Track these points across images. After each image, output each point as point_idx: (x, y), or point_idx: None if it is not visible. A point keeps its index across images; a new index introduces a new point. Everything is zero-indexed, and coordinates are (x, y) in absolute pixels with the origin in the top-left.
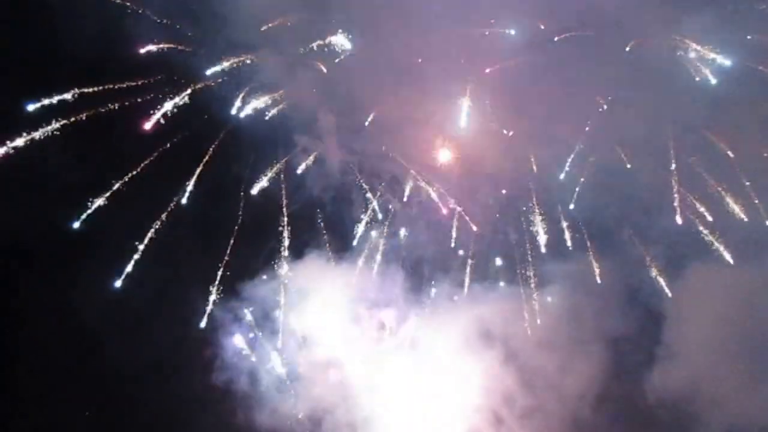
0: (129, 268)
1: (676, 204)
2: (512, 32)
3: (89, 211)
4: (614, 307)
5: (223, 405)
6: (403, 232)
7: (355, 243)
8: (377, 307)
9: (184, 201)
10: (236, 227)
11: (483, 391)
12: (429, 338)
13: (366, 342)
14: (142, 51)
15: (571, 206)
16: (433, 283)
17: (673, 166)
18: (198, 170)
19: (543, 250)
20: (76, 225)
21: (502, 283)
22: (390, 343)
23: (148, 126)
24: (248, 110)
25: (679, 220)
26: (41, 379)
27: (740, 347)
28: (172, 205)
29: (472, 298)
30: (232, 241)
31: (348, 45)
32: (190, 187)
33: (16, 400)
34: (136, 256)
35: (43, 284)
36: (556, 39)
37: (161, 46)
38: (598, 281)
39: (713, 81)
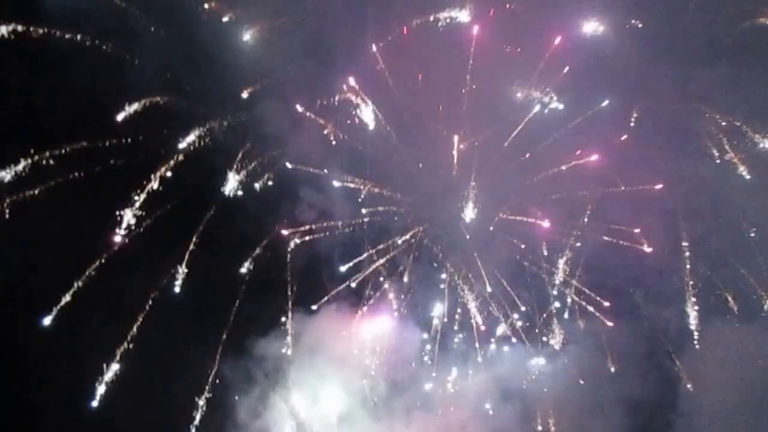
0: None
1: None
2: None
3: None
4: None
5: None
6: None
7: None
8: (388, 365)
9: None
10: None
11: None
12: (441, 398)
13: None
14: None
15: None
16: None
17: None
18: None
19: (566, 315)
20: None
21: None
22: (401, 402)
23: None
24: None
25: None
26: None
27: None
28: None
29: (485, 358)
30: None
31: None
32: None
33: None
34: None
35: None
36: None
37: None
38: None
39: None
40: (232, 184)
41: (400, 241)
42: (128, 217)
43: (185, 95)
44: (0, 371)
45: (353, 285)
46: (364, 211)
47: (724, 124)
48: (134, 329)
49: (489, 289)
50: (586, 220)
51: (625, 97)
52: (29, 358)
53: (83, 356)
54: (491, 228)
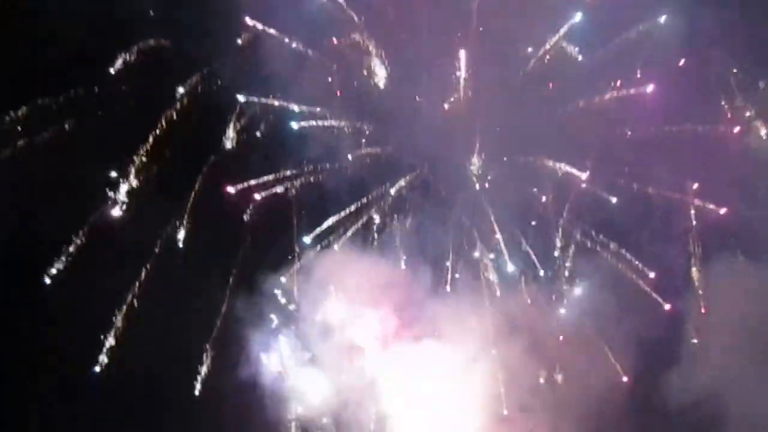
0: None
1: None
2: None
3: None
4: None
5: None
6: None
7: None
8: (397, 297)
9: None
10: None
11: (505, 384)
12: (450, 329)
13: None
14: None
15: None
16: (456, 275)
17: None
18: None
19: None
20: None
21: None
22: (411, 333)
23: None
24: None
25: None
26: None
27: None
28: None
29: (494, 290)
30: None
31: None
32: None
33: None
34: None
35: None
36: None
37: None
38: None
39: None
40: (231, 134)
41: (404, 183)
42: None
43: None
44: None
45: (359, 225)
46: (367, 151)
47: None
48: (141, 279)
49: (497, 231)
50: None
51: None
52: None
53: (90, 307)
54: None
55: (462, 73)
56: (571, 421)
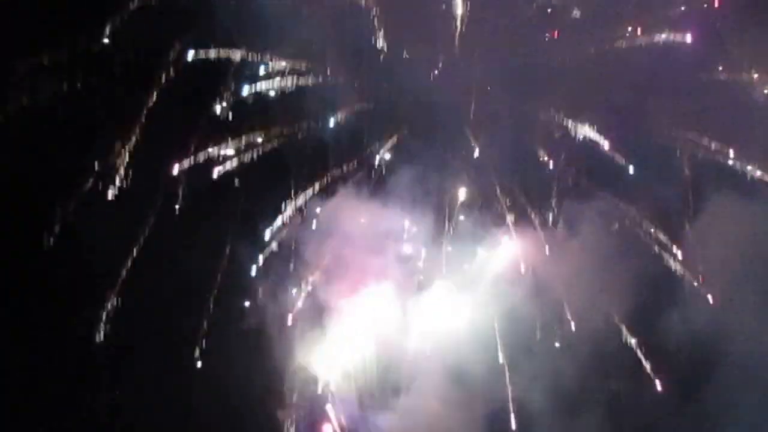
0: None
1: None
2: None
3: None
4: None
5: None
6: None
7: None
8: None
9: None
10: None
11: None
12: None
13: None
14: None
15: None
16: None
17: None
18: None
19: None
20: None
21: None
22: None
23: None
24: None
25: None
26: None
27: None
28: None
29: (494, 236)
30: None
31: None
32: None
33: None
34: None
35: None
36: None
37: None
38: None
39: None
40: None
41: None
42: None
43: None
44: None
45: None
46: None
47: None
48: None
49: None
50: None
51: None
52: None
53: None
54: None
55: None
56: (571, 364)
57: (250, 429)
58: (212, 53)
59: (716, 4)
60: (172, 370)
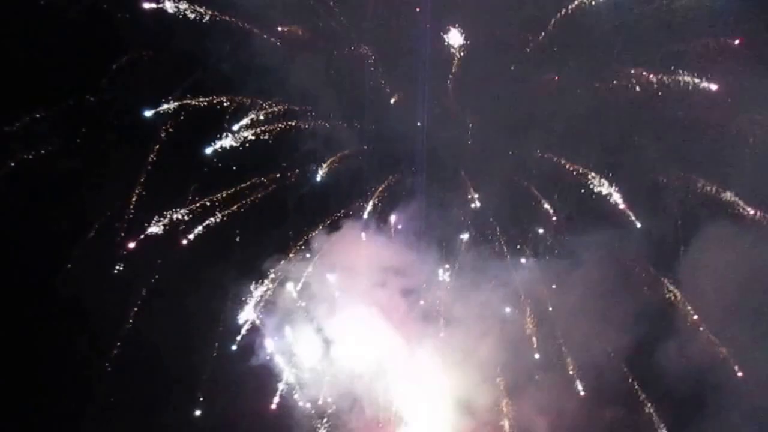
0: None
1: None
2: None
3: None
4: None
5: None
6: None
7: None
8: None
9: None
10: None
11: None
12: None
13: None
14: None
15: None
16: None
17: None
18: None
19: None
20: None
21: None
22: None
23: None
24: None
25: None
26: None
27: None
28: None
29: (494, 269)
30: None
31: None
32: None
33: None
34: None
35: None
36: None
37: None
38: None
39: None
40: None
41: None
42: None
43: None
44: None
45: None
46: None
47: None
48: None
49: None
50: None
51: None
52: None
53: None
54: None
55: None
56: (570, 396)
57: None
58: (207, 101)
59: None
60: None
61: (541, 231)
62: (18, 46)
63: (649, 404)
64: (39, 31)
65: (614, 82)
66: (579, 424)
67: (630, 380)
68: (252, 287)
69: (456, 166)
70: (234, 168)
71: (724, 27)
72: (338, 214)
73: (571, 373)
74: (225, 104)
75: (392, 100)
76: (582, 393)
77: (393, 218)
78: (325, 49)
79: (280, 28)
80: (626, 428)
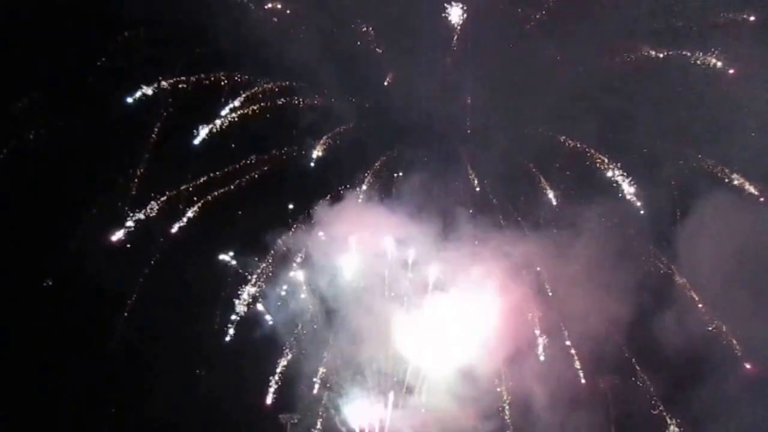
0: None
1: None
2: None
3: None
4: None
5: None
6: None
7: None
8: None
9: None
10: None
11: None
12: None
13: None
14: None
15: None
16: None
17: None
18: None
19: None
20: None
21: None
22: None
23: None
24: None
25: None
26: None
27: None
28: None
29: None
30: None
31: None
32: None
33: None
34: None
35: None
36: None
37: None
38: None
39: None
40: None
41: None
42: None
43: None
44: None
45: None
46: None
47: None
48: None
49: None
50: None
51: None
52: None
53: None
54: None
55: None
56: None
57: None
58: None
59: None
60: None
61: (540, 203)
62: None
63: (645, 374)
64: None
65: (614, 57)
66: (575, 393)
67: (626, 350)
68: (255, 259)
69: (456, 138)
70: (233, 145)
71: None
72: (340, 187)
73: (567, 343)
74: (223, 82)
75: (390, 76)
76: (578, 363)
77: (393, 190)
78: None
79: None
80: (622, 397)
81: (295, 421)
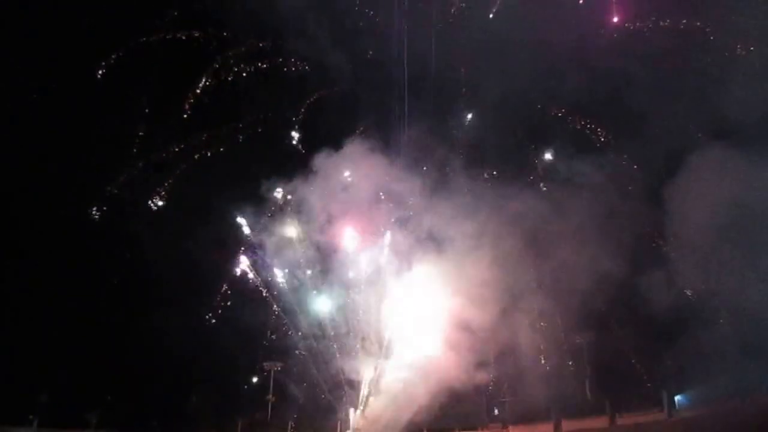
0: None
1: None
2: None
3: None
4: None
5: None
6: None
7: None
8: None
9: None
10: None
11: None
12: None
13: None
14: None
15: None
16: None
17: None
18: None
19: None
20: None
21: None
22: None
23: None
24: None
25: None
26: None
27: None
28: None
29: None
30: None
31: None
32: None
33: None
34: None
35: None
36: None
37: None
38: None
39: None
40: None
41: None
42: None
43: None
44: None
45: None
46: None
47: None
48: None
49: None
50: None
51: None
52: None
53: None
54: None
55: None
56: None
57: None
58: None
59: None
60: None
61: (534, 159)
62: None
63: (632, 330)
64: None
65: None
66: (557, 345)
67: (613, 306)
68: (252, 210)
69: (451, 92)
70: (229, 102)
71: None
72: (335, 138)
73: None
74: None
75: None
76: (562, 318)
77: (389, 141)
78: None
79: None
80: (603, 351)
81: (278, 368)
